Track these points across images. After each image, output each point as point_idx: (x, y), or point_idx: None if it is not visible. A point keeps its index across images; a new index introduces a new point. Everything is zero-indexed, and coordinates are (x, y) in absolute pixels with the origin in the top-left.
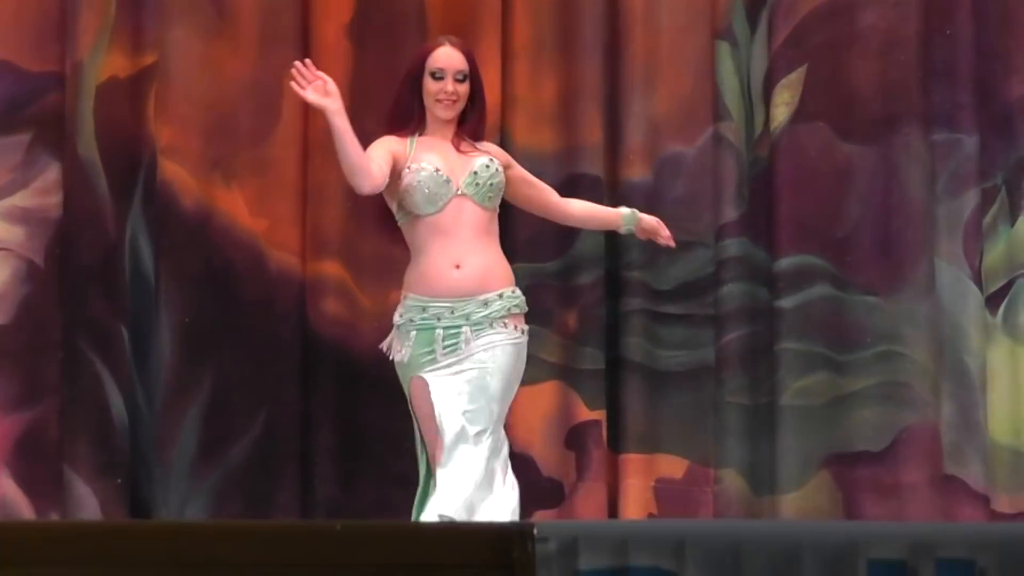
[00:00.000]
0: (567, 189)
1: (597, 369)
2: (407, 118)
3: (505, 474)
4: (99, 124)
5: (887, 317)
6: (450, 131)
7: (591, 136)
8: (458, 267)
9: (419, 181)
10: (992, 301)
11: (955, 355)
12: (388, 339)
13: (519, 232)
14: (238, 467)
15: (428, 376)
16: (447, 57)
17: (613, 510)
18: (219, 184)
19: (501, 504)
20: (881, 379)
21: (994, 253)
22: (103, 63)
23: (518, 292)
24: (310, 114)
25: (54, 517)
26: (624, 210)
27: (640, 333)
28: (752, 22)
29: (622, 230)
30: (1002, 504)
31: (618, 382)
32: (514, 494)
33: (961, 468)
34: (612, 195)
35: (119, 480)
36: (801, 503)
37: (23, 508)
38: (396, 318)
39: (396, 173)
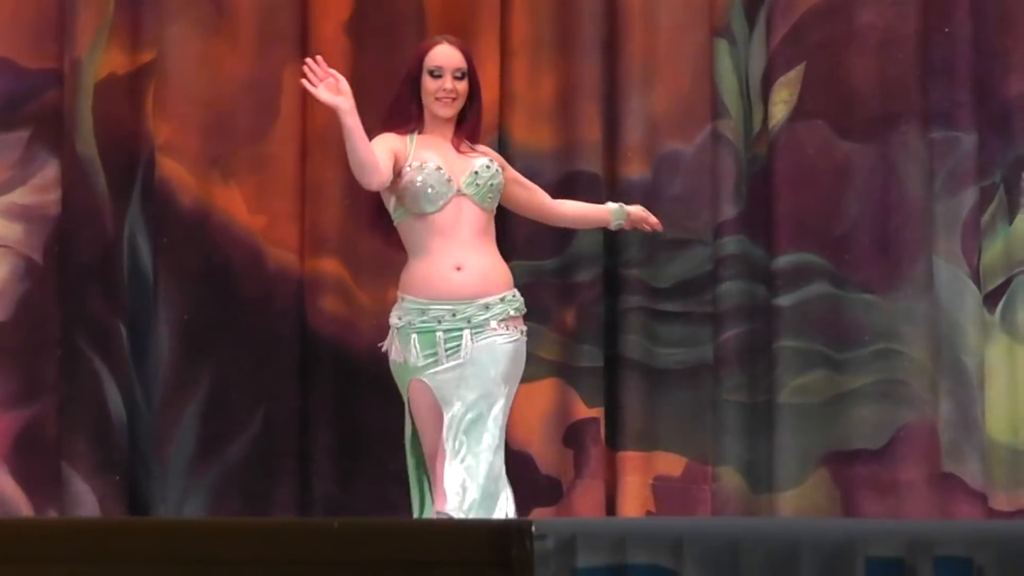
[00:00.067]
0: (565, 187)
1: (595, 367)
2: (406, 118)
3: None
4: (98, 121)
5: (885, 315)
6: (449, 131)
7: (589, 134)
8: (459, 269)
9: (422, 179)
10: (990, 299)
11: (953, 353)
12: (388, 340)
13: (517, 230)
14: (236, 464)
15: (428, 379)
16: (445, 55)
17: (611, 508)
18: (217, 181)
19: (501, 504)
20: (879, 377)
21: (992, 251)
22: (102, 60)
23: (518, 295)
24: (308, 111)
25: (52, 514)
26: (612, 205)
27: (638, 331)
28: (750, 20)
29: (612, 226)
30: (1000, 502)
31: (616, 380)
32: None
33: (959, 466)
34: (610, 193)
35: (117, 477)
36: (799, 501)
37: (21, 505)
38: (394, 320)
39: (396, 171)
